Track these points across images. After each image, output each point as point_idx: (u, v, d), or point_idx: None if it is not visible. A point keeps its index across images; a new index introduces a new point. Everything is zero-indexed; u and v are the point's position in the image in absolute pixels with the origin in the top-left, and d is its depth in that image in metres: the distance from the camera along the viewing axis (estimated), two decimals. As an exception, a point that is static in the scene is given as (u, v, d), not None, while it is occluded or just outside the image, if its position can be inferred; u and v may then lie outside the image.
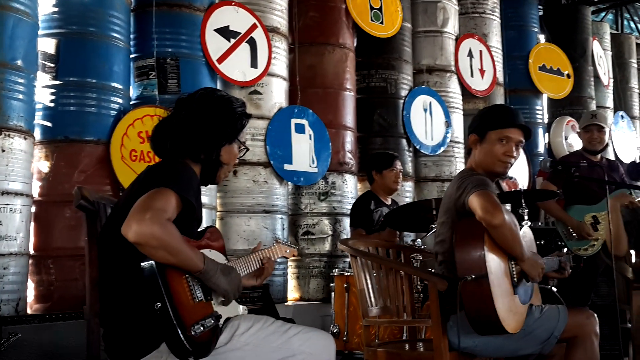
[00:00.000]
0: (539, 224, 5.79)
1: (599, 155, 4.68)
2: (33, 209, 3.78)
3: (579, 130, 4.86)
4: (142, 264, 1.89)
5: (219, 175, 2.25)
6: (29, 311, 3.70)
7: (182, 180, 2.03)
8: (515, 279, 2.48)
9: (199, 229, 2.22)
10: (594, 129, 4.63)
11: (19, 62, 3.59)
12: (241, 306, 2.24)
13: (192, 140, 2.15)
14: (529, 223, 3.43)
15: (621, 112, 8.68)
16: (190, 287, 1.98)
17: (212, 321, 1.98)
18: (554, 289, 3.92)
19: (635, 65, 9.33)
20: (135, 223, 1.84)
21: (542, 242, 4.83)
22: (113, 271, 2.05)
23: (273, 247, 2.50)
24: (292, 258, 5.09)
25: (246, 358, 2.08)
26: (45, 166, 3.92)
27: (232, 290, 2.06)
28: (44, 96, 3.95)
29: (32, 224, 3.78)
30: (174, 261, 1.90)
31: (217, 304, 2.07)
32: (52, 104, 3.97)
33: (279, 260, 2.54)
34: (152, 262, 1.89)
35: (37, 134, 3.90)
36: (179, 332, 1.87)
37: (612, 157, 7.90)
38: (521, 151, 2.86)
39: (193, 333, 1.90)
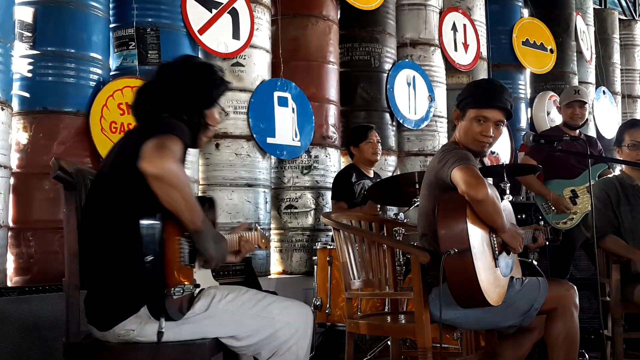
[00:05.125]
0: (520, 198, 5.83)
1: (577, 131, 4.71)
2: (12, 181, 3.72)
3: (559, 105, 4.87)
4: (143, 219, 1.90)
5: (201, 138, 2.28)
6: (9, 284, 3.67)
7: (183, 129, 2.06)
8: (496, 252, 2.50)
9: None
10: (576, 105, 4.65)
11: (-5, 31, 3.51)
12: (215, 282, 2.29)
13: (177, 102, 2.19)
14: (511, 197, 3.46)
15: (603, 88, 8.71)
16: (181, 249, 2.00)
17: (191, 288, 2.03)
18: (535, 263, 3.97)
19: (618, 41, 9.34)
20: (157, 158, 1.85)
21: (523, 216, 4.86)
22: (101, 233, 2.05)
23: (252, 233, 2.52)
24: (275, 232, 5.11)
25: (225, 325, 2.11)
26: (23, 137, 3.85)
27: (217, 258, 2.08)
28: (21, 66, 3.86)
29: (11, 196, 3.73)
30: (182, 207, 1.91)
31: (197, 271, 2.09)
32: (29, 74, 3.88)
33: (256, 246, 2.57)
34: (156, 219, 1.91)
35: (15, 104, 3.82)
36: (161, 288, 1.91)
37: (593, 132, 7.95)
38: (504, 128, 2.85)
39: (172, 293, 1.93)
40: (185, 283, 2.00)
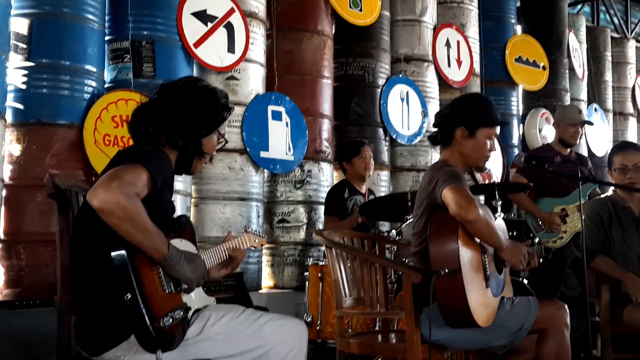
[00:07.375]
0: (512, 215, 5.85)
1: (568, 149, 4.74)
2: (4, 192, 3.71)
3: (558, 122, 4.83)
4: (112, 253, 1.86)
5: (195, 165, 2.24)
6: (-2, 296, 3.65)
7: (155, 161, 2.01)
8: (487, 273, 2.51)
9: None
10: (579, 125, 4.69)
11: (-10, 43, 3.51)
12: (210, 297, 2.24)
13: (174, 127, 2.13)
14: (502, 215, 3.47)
15: (595, 105, 8.77)
16: (160, 278, 1.97)
17: (182, 313, 1.98)
18: (525, 281, 3.99)
19: (610, 58, 9.43)
20: (101, 190, 1.81)
21: (514, 233, 4.88)
22: (85, 259, 2.03)
23: (242, 237, 2.49)
24: (267, 246, 5.09)
25: (218, 348, 2.08)
26: (16, 149, 3.84)
27: (197, 278, 2.04)
28: (16, 78, 3.86)
29: (3, 208, 3.72)
30: (139, 238, 1.86)
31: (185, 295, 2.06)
32: (24, 86, 3.88)
33: (252, 248, 2.55)
34: (123, 251, 1.87)
35: (9, 116, 3.82)
36: (148, 324, 1.87)
37: (584, 150, 8.00)
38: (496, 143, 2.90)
39: (162, 325, 1.90)
40: (174, 309, 1.96)
